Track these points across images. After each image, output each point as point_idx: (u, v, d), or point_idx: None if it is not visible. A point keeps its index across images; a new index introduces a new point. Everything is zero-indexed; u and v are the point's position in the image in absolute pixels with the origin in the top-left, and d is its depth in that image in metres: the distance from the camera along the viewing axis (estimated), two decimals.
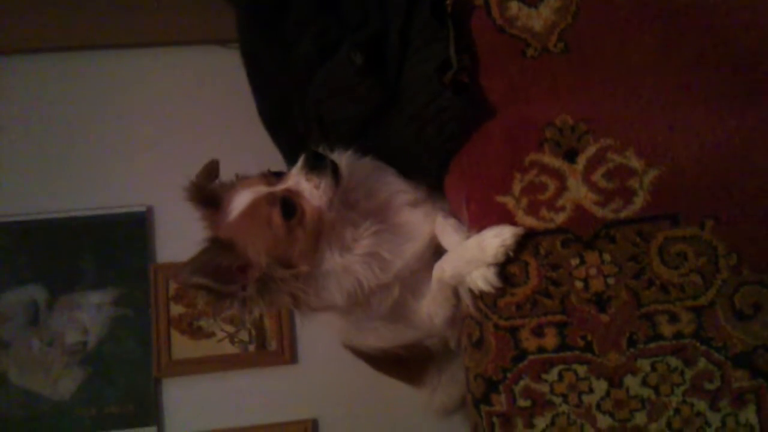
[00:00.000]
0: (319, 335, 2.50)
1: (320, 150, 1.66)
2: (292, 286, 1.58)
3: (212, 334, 2.68)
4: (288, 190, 1.58)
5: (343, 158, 1.74)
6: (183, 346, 2.66)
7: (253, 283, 1.54)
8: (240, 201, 1.58)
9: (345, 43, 1.73)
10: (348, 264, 1.62)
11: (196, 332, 2.67)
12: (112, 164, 2.78)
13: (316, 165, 1.58)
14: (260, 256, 1.54)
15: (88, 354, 2.66)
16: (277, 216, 1.55)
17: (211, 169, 1.73)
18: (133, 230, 2.73)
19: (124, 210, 2.74)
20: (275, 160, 2.02)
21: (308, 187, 1.58)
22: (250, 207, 1.57)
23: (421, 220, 1.74)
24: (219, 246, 1.55)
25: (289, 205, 1.56)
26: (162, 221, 2.75)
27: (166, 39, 2.82)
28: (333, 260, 1.62)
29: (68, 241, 2.71)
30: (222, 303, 1.54)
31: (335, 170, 1.59)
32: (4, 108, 2.80)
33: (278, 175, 1.64)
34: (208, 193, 1.67)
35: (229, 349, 2.69)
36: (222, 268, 1.52)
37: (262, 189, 1.59)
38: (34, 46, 2.81)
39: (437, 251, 1.71)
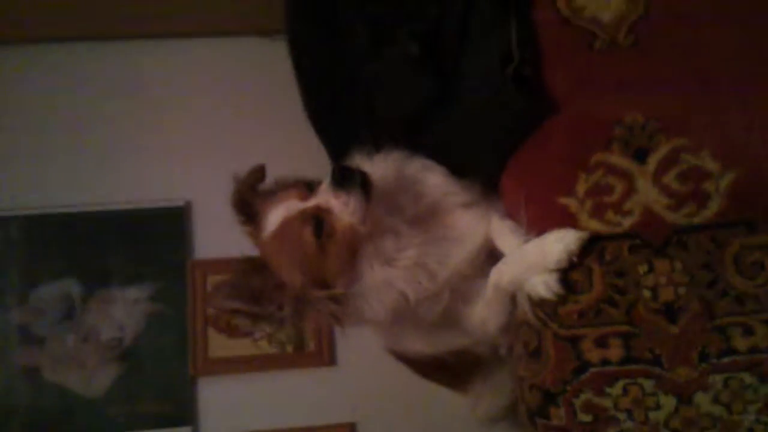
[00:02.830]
0: (359, 337, 2.40)
1: (347, 164, 1.60)
2: (329, 307, 1.53)
3: (250, 333, 2.63)
4: (318, 207, 1.52)
5: (388, 160, 1.68)
6: (220, 345, 2.63)
7: (289, 304, 1.51)
8: (273, 218, 1.53)
9: (400, 32, 1.66)
10: (390, 278, 1.55)
11: (233, 330, 2.62)
12: (151, 158, 2.76)
13: (344, 181, 1.50)
14: (293, 276, 1.50)
15: (123, 350, 2.63)
16: (308, 235, 1.49)
17: (257, 175, 1.68)
18: (171, 225, 2.70)
19: (162, 204, 2.72)
20: (320, 157, 1.95)
21: (337, 204, 1.51)
22: (282, 226, 1.52)
23: (474, 222, 1.66)
24: (252, 267, 1.53)
25: (320, 223, 1.50)
26: (201, 216, 2.72)
27: (208, 29, 2.78)
28: (373, 275, 1.55)
29: (105, 235, 2.69)
30: (259, 324, 1.53)
31: (365, 183, 1.51)
32: (47, 100, 2.78)
33: (312, 186, 1.57)
34: (249, 206, 1.63)
35: (266, 348, 2.65)
36: (256, 290, 1.50)
37: (294, 205, 1.53)
38: (71, 35, 2.79)
39: (491, 255, 1.62)
